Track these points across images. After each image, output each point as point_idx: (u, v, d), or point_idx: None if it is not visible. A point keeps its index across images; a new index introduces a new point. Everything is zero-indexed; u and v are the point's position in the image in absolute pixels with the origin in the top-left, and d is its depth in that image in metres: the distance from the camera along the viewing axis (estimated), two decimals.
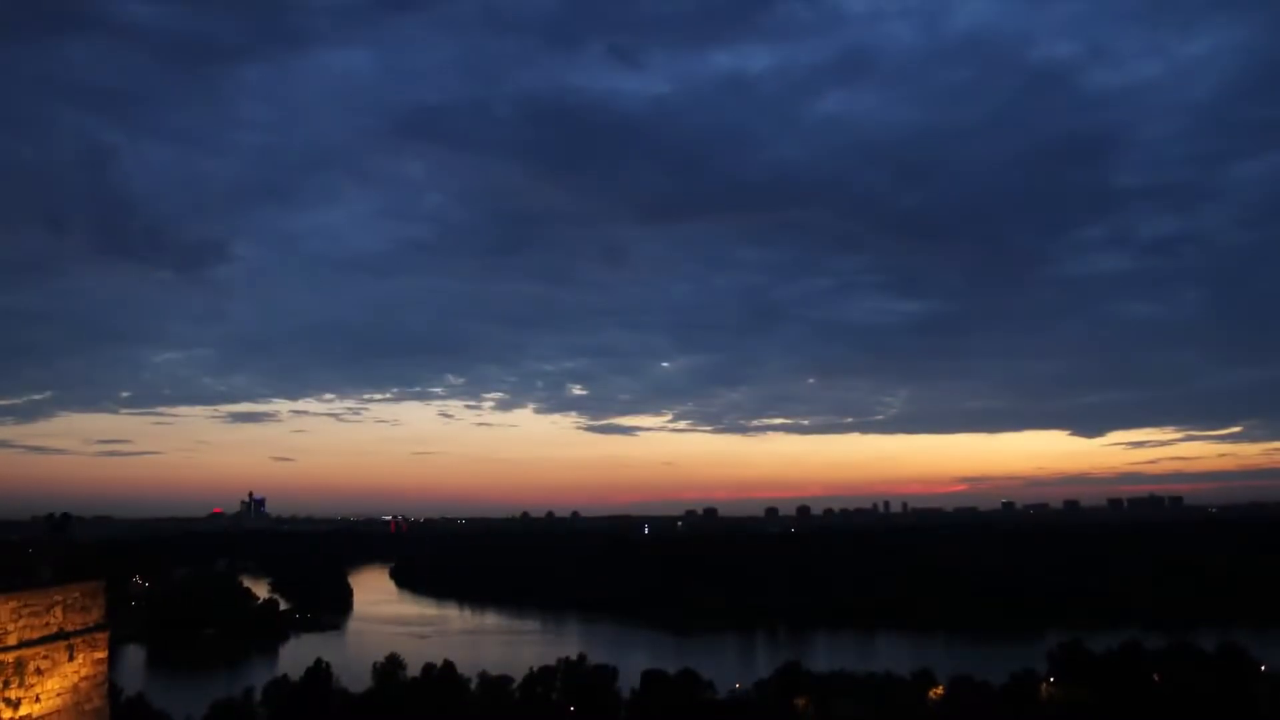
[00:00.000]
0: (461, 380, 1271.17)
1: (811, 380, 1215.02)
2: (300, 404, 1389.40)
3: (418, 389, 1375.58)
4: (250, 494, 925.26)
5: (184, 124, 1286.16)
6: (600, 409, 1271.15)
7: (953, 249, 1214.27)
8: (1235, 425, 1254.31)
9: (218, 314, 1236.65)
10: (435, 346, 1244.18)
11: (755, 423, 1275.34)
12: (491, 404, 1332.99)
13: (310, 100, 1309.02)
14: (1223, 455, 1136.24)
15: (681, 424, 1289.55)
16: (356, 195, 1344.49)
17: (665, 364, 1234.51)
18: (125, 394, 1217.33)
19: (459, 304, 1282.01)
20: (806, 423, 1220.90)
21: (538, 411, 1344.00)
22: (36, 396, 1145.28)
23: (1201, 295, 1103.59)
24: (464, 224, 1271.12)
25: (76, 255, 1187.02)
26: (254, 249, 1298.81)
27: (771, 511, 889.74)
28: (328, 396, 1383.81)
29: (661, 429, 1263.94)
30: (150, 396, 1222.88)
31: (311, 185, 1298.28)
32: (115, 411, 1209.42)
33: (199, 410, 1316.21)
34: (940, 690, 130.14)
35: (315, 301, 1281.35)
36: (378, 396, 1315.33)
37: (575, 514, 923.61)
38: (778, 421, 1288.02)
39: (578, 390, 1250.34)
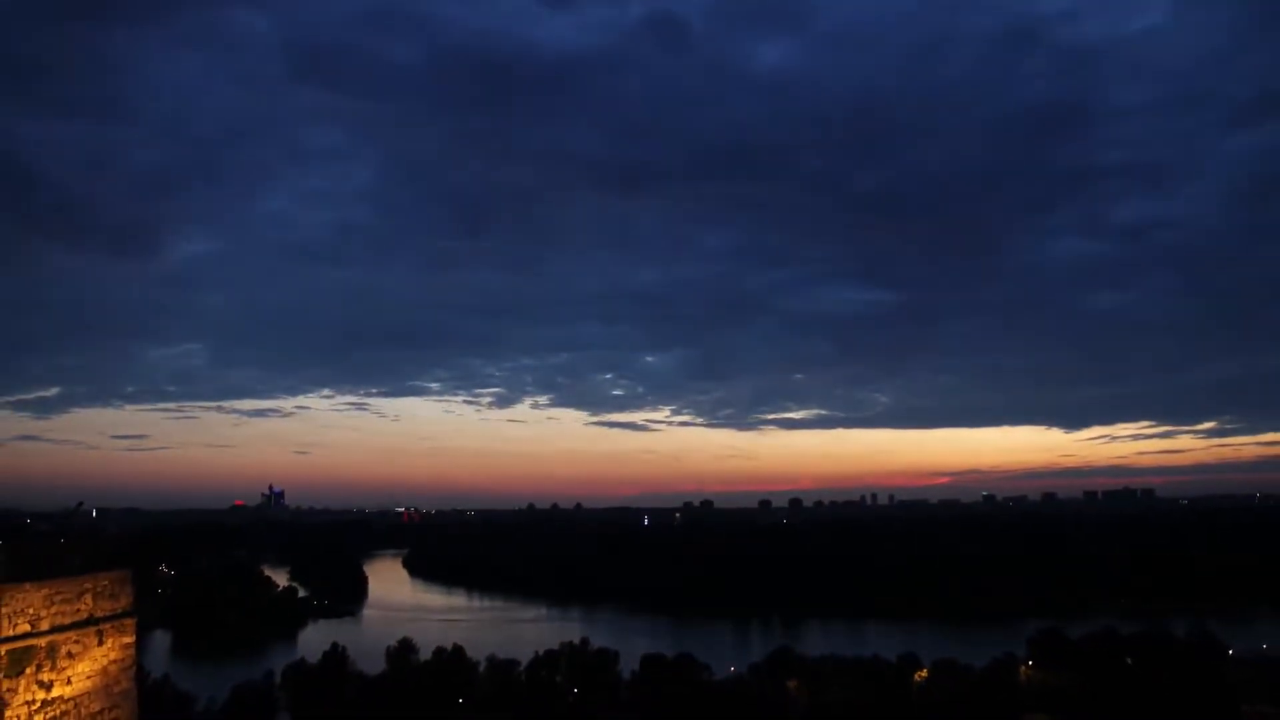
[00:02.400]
0: (451, 375, 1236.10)
1: (800, 376, 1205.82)
2: (302, 399, 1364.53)
3: (412, 384, 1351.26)
4: (270, 487, 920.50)
5: (84, 95, 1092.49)
6: (597, 405, 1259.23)
7: (918, 232, 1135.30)
8: (1210, 420, 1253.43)
9: (192, 307, 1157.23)
10: (416, 340, 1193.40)
11: (750, 417, 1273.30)
12: (490, 399, 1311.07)
13: (213, 66, 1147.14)
14: (1197, 449, 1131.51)
15: (681, 419, 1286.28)
16: (288, 173, 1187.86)
17: (649, 358, 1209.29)
18: (130, 389, 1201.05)
19: (424, 295, 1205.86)
20: (797, 417, 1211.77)
21: (535, 407, 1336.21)
22: (45, 393, 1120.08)
23: (1177, 285, 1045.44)
24: (405, 205, 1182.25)
25: (8, 241, 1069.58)
26: (205, 236, 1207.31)
27: (765, 504, 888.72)
28: (326, 392, 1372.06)
29: (662, 424, 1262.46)
30: (153, 393, 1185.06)
31: (240, 162, 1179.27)
32: (121, 407, 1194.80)
33: (205, 405, 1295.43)
34: (924, 673, 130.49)
35: (284, 294, 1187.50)
36: (374, 391, 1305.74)
37: (579, 506, 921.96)
38: (771, 417, 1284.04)
39: (571, 387, 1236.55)
